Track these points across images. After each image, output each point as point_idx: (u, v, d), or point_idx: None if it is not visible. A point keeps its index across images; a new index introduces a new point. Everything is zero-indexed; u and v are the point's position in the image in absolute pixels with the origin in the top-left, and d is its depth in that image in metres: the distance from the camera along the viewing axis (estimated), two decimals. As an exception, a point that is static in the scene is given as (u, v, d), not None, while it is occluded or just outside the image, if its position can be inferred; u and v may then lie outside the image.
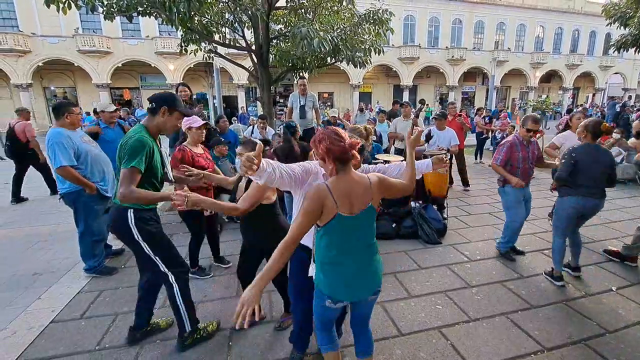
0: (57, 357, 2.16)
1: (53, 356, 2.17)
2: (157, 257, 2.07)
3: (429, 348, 2.20)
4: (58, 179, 3.04)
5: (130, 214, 1.98)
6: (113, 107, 3.73)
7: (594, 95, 32.94)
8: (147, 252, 2.05)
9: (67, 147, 2.84)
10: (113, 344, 2.27)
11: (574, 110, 10.29)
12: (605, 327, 2.41)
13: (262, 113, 6.22)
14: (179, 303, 2.13)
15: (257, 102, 24.03)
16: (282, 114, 17.44)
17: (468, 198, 5.65)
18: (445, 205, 4.63)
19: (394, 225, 4.01)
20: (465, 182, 6.21)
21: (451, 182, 6.07)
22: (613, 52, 12.38)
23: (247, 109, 20.75)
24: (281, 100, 24.82)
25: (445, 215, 4.47)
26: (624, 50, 11.04)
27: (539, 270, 3.23)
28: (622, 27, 10.43)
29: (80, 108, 3.16)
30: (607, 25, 10.84)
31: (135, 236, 2.01)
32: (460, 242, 3.90)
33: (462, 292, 2.86)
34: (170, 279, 2.11)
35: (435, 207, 4.36)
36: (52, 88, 22.40)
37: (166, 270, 2.09)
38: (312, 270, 1.62)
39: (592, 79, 32.41)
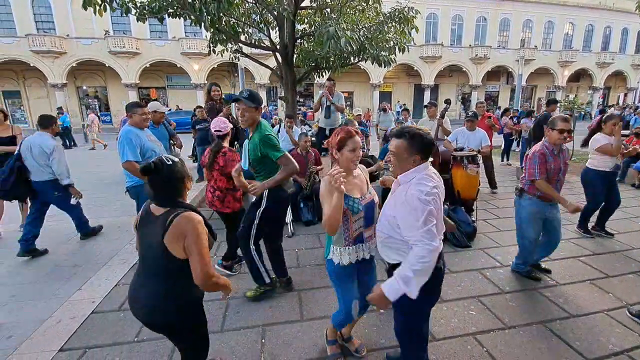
0: (99, 347, 2.26)
1: (95, 345, 2.26)
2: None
3: (465, 354, 2.15)
4: (125, 174, 3.21)
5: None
6: (165, 108, 3.88)
7: (625, 95, 31.18)
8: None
9: (134, 143, 3.03)
10: (151, 336, 2.33)
11: (607, 110, 9.78)
12: (651, 340, 2.29)
13: (288, 112, 6.26)
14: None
15: (278, 100, 23.97)
16: (299, 113, 17.48)
17: (496, 201, 5.49)
18: (474, 207, 4.52)
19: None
20: (492, 184, 6.04)
21: (494, 186, 6.03)
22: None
23: (268, 108, 20.92)
24: (301, 100, 24.91)
25: (474, 218, 4.36)
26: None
27: (575, 279, 3.10)
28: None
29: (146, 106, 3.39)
30: (646, 21, 10.28)
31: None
32: (490, 246, 3.80)
33: (496, 298, 2.78)
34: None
35: (463, 209, 4.27)
36: (85, 87, 23.44)
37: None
38: None
39: (623, 78, 30.88)
